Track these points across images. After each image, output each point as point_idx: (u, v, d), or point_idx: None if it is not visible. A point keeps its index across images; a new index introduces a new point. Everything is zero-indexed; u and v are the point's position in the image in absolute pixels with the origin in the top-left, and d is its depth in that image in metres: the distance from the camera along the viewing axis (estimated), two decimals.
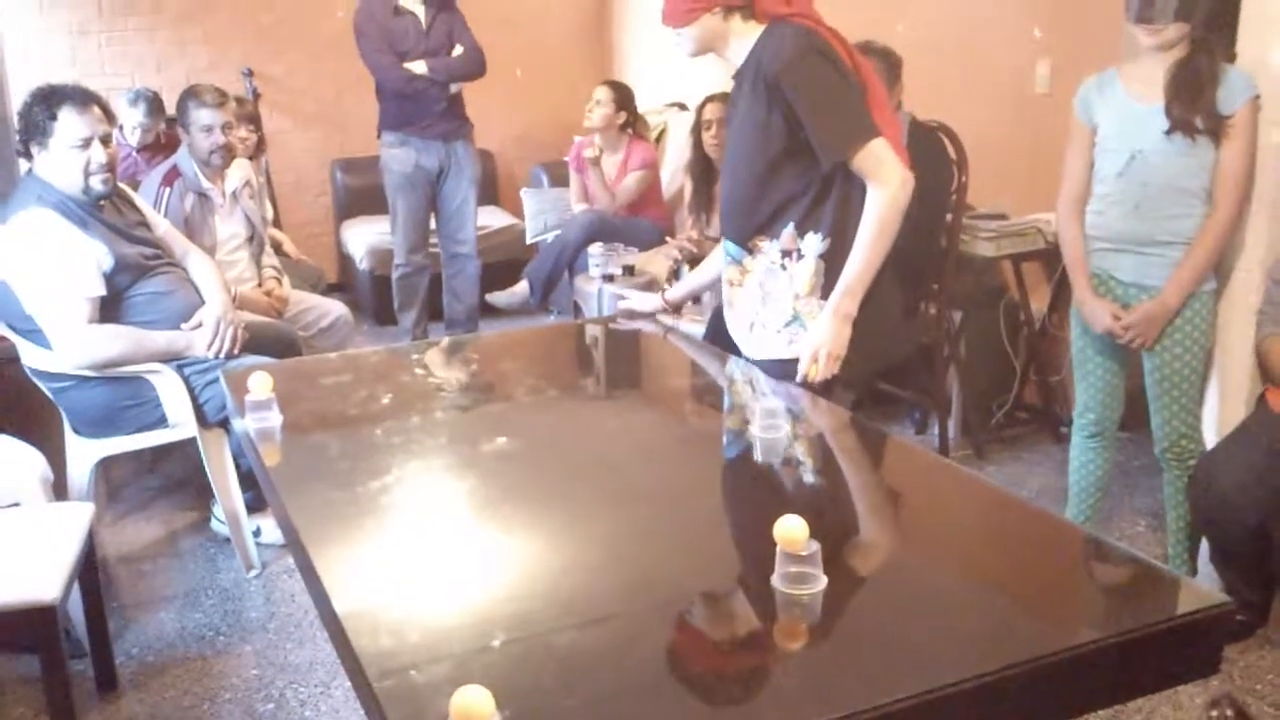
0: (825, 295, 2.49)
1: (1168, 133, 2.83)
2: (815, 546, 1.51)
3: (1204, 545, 3.03)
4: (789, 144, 2.45)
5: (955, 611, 1.55)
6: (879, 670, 1.40)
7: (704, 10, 2.43)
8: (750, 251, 2.57)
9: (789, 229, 2.50)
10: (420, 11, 4.99)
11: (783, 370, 2.49)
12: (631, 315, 2.96)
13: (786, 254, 2.52)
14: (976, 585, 1.65)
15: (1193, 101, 2.80)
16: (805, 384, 2.44)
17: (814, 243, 2.49)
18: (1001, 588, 1.64)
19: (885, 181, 2.40)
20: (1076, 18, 4.05)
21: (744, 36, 2.47)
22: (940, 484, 2.02)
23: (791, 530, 1.52)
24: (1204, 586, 2.00)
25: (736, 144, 2.57)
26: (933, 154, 3.85)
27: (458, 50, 5.02)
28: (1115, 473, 3.32)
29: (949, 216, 3.91)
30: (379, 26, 4.97)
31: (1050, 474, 3.94)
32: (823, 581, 1.51)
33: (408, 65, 4.94)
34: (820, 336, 2.45)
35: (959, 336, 4.18)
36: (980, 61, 4.46)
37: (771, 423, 2.07)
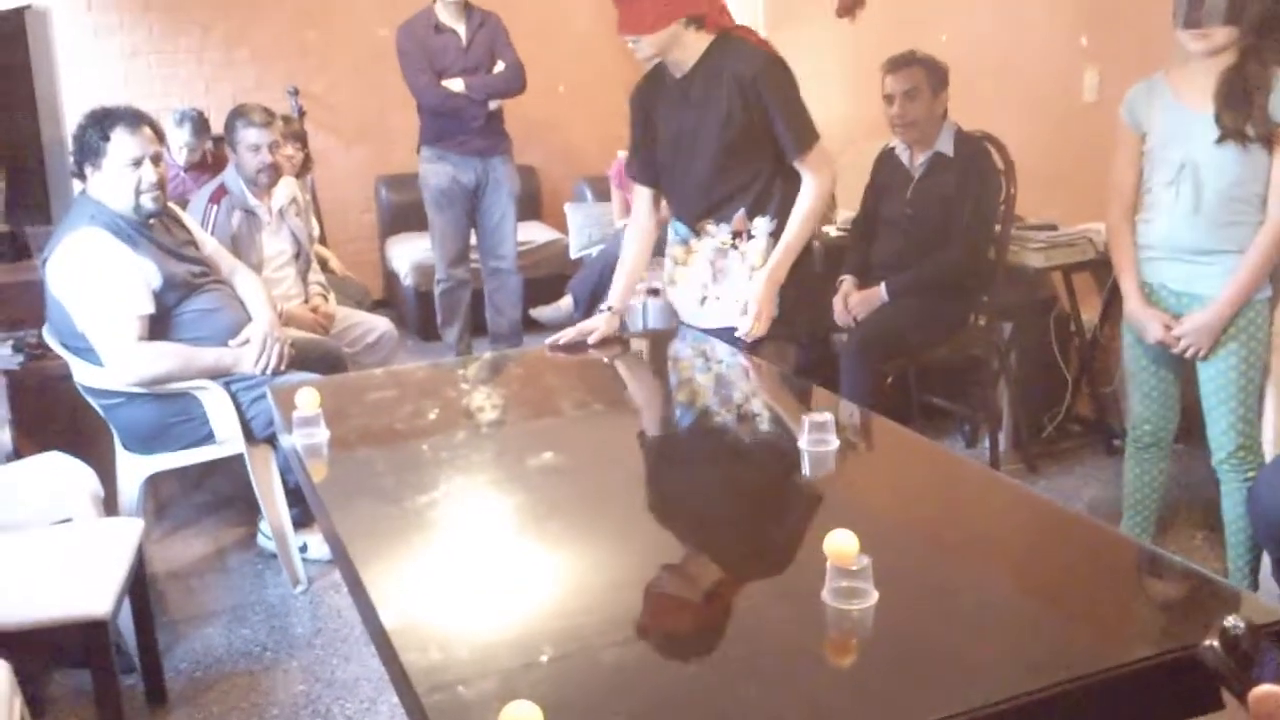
0: None
1: (1218, 141, 2.78)
2: (866, 561, 1.49)
3: (1265, 559, 2.97)
4: (745, 138, 2.84)
5: (1009, 627, 1.52)
6: (931, 686, 1.37)
7: (671, 21, 2.75)
8: (697, 233, 2.98)
9: (740, 213, 2.91)
10: (461, 29, 5.01)
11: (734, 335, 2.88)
12: (581, 344, 2.89)
13: (737, 235, 2.92)
14: (1030, 600, 1.62)
15: (1243, 108, 2.75)
16: (745, 340, 2.83)
17: (764, 224, 2.91)
18: (1055, 603, 1.61)
19: (823, 177, 2.89)
20: (1124, 25, 4.00)
21: (695, 45, 2.84)
22: (992, 497, 1.99)
23: (842, 545, 1.50)
24: (1266, 601, 1.96)
25: (694, 136, 2.89)
26: (979, 164, 3.82)
27: (499, 66, 5.04)
28: (1171, 485, 3.26)
29: (998, 227, 3.87)
30: (419, 45, 5.00)
31: (1104, 487, 3.88)
32: (874, 596, 1.49)
33: (446, 83, 4.97)
34: (758, 300, 2.83)
35: (1009, 348, 4.13)
36: (1026, 70, 4.42)
37: (820, 436, 2.05)
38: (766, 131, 2.86)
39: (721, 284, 2.96)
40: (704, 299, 3.01)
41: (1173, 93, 2.91)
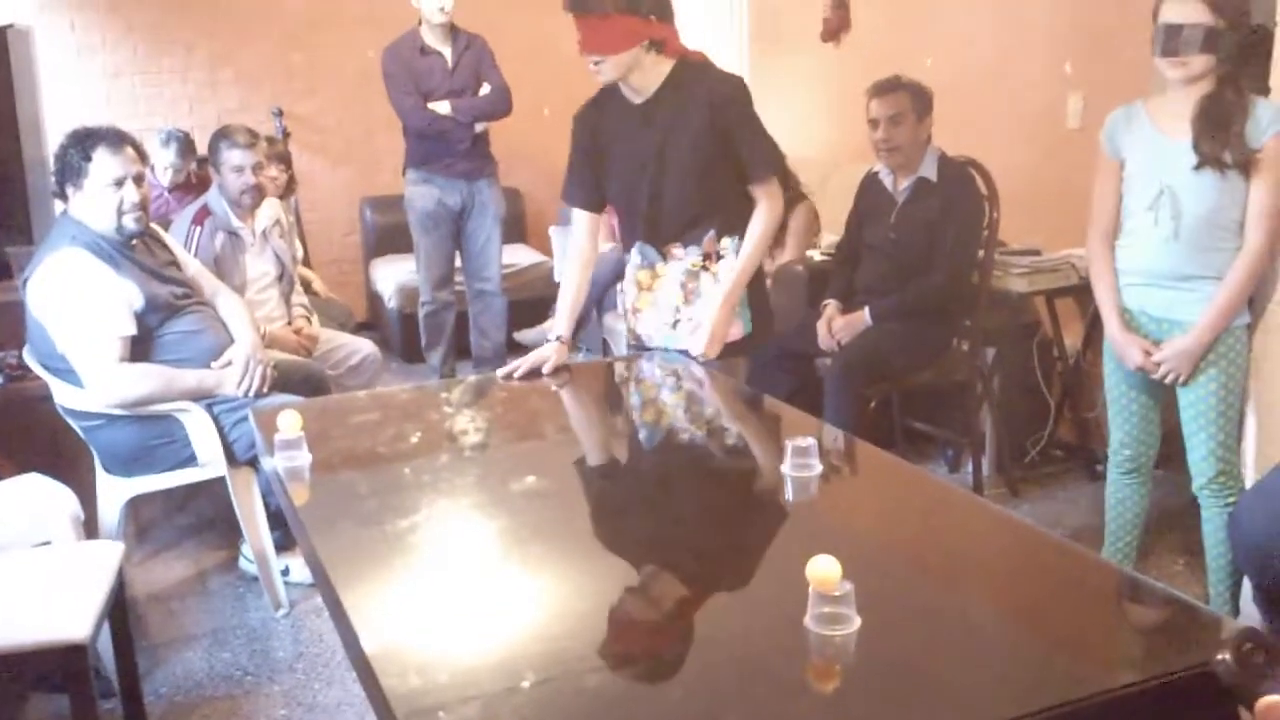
0: (750, 285, 2.98)
1: (1196, 168, 2.81)
2: (848, 587, 1.49)
3: (1245, 585, 2.98)
4: (716, 160, 2.87)
5: (991, 652, 1.52)
6: (914, 711, 1.37)
7: (636, 43, 2.76)
8: (664, 257, 2.98)
9: (709, 235, 2.93)
10: (447, 51, 5.02)
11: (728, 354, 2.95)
12: (535, 374, 2.84)
13: (708, 256, 2.94)
14: (1012, 626, 1.62)
15: (1221, 136, 2.78)
16: (702, 358, 2.88)
17: (732, 245, 2.93)
18: (1037, 628, 1.61)
19: (776, 204, 2.95)
20: (1108, 52, 4.04)
21: (655, 69, 2.85)
22: (974, 522, 1.99)
23: (824, 570, 1.50)
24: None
25: (661, 159, 2.89)
26: (963, 189, 3.83)
27: (485, 89, 5.05)
28: (1153, 510, 3.27)
29: (981, 252, 3.89)
30: (404, 67, 5.01)
31: (1086, 512, 3.89)
32: (856, 622, 1.49)
33: (432, 105, 4.98)
34: (713, 322, 2.89)
35: (992, 373, 4.15)
36: (1011, 96, 4.45)
37: (803, 461, 2.05)
38: (733, 154, 2.89)
39: (695, 305, 2.97)
40: (676, 322, 3.00)
41: (1151, 120, 2.93)
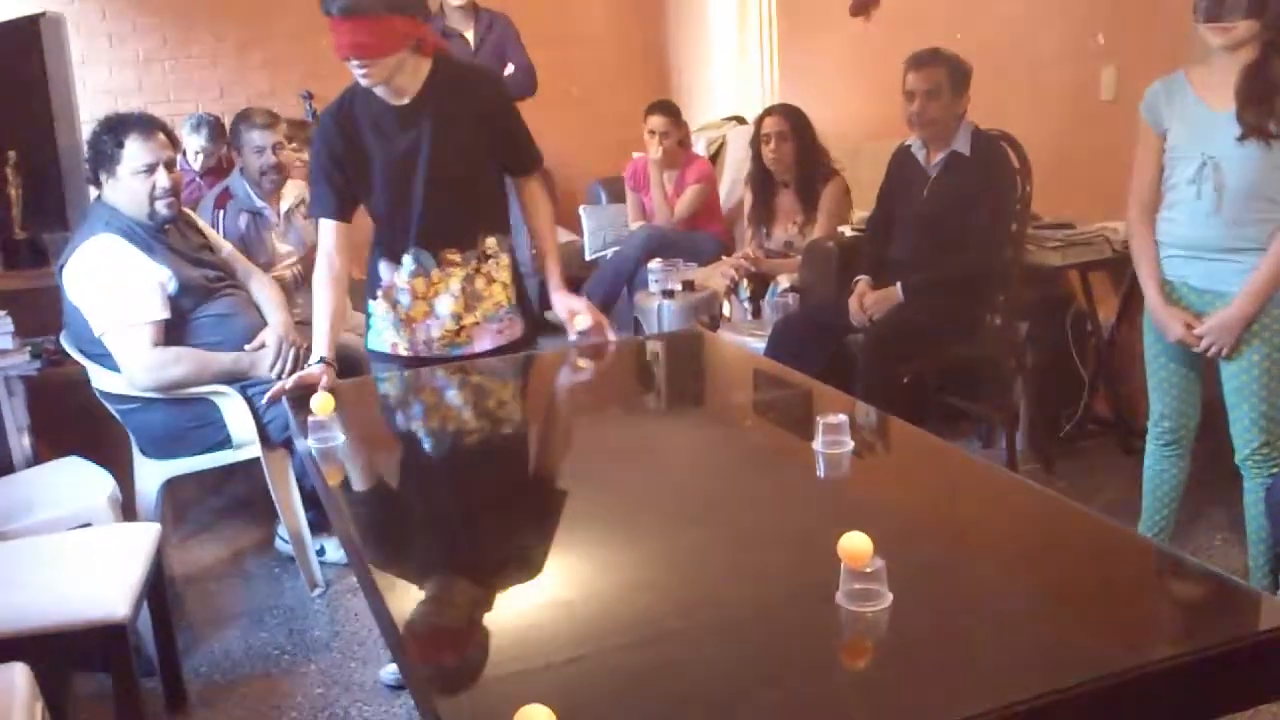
0: (515, 280, 2.95)
1: (1240, 139, 2.76)
2: (880, 563, 1.49)
3: None
4: (485, 159, 2.84)
5: (1024, 628, 1.51)
6: (946, 688, 1.37)
7: (405, 44, 2.65)
8: (440, 264, 2.85)
9: (481, 236, 2.86)
10: (469, 32, 4.97)
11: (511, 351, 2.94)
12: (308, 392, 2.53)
13: (484, 258, 2.87)
14: (1046, 602, 1.61)
15: (1265, 105, 2.73)
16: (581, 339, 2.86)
17: (496, 242, 2.89)
18: (1072, 604, 1.60)
19: (544, 185, 3.00)
20: (1142, 22, 3.98)
21: (418, 69, 2.73)
22: (1008, 498, 1.98)
23: (856, 546, 1.50)
24: None
25: (430, 163, 2.76)
26: (996, 163, 3.80)
27: (509, 70, 5.01)
28: (1191, 484, 3.24)
29: (1014, 226, 3.86)
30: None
31: (1122, 487, 3.85)
32: (888, 598, 1.49)
33: None
34: (586, 307, 2.88)
35: (1025, 348, 4.11)
36: (1043, 69, 4.40)
37: (834, 438, 2.04)
38: (500, 151, 2.86)
39: (477, 310, 2.88)
40: (460, 329, 2.88)
41: (1193, 90, 2.88)
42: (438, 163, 2.76)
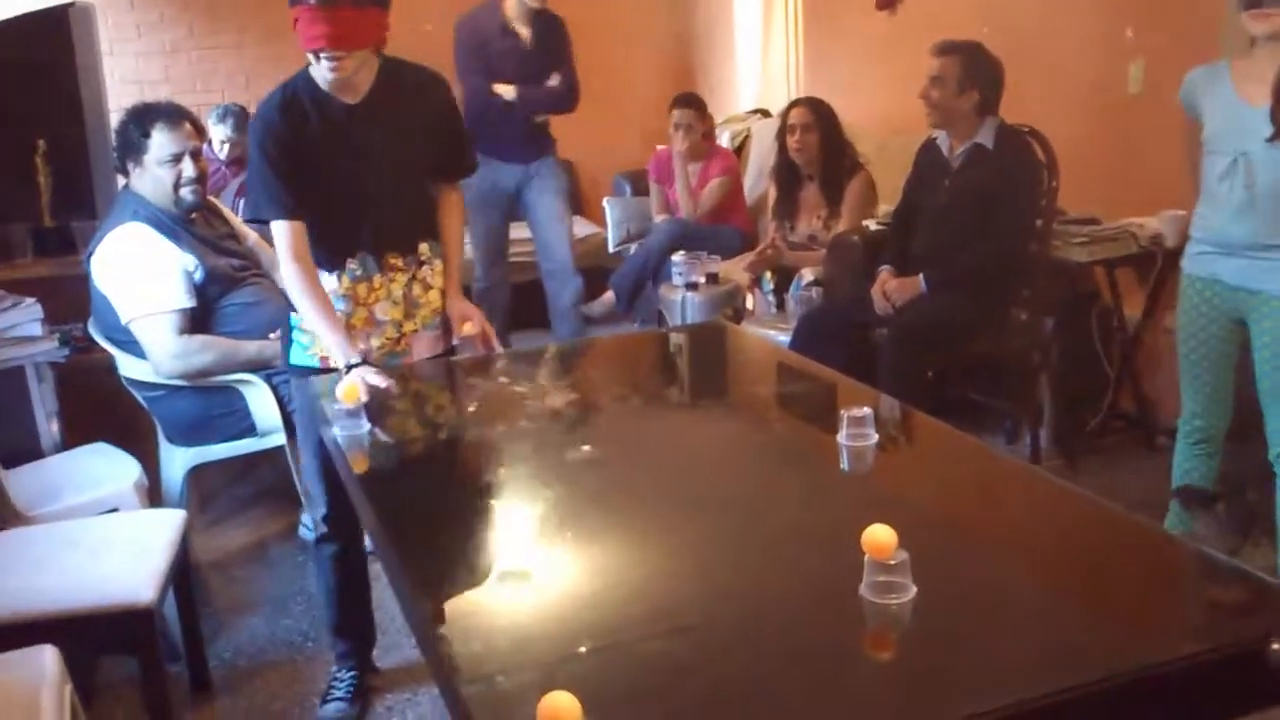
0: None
1: (1270, 140, 2.72)
2: (904, 555, 1.49)
3: None
4: (426, 160, 2.75)
5: (1048, 623, 1.51)
6: (969, 681, 1.37)
7: (378, 38, 2.59)
8: (383, 269, 2.71)
9: (419, 241, 2.75)
10: (526, 31, 4.81)
11: (447, 358, 2.85)
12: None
13: (421, 263, 2.76)
14: (1070, 597, 1.61)
15: None
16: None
17: (435, 248, 2.79)
18: (1097, 600, 1.59)
19: (461, 196, 2.90)
20: (1171, 16, 3.95)
21: (371, 65, 2.62)
22: (1032, 493, 1.97)
23: (880, 538, 1.50)
24: None
25: (380, 165, 2.65)
26: (1019, 157, 3.79)
27: (553, 80, 4.88)
28: (1220, 483, 3.22)
29: (1039, 221, 3.84)
30: (479, 42, 4.81)
31: (1146, 484, 3.83)
32: (912, 591, 1.49)
33: (499, 88, 4.79)
34: (474, 312, 2.79)
35: (1051, 343, 4.10)
36: (1070, 62, 4.37)
37: (858, 431, 2.04)
38: (436, 153, 2.76)
39: (416, 316, 2.77)
40: (400, 337, 2.76)
41: (1233, 82, 2.84)
42: (391, 164, 2.67)
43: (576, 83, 4.94)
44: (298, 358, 2.77)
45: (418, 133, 2.70)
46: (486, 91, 4.81)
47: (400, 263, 2.73)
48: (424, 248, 2.76)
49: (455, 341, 2.85)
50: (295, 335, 2.76)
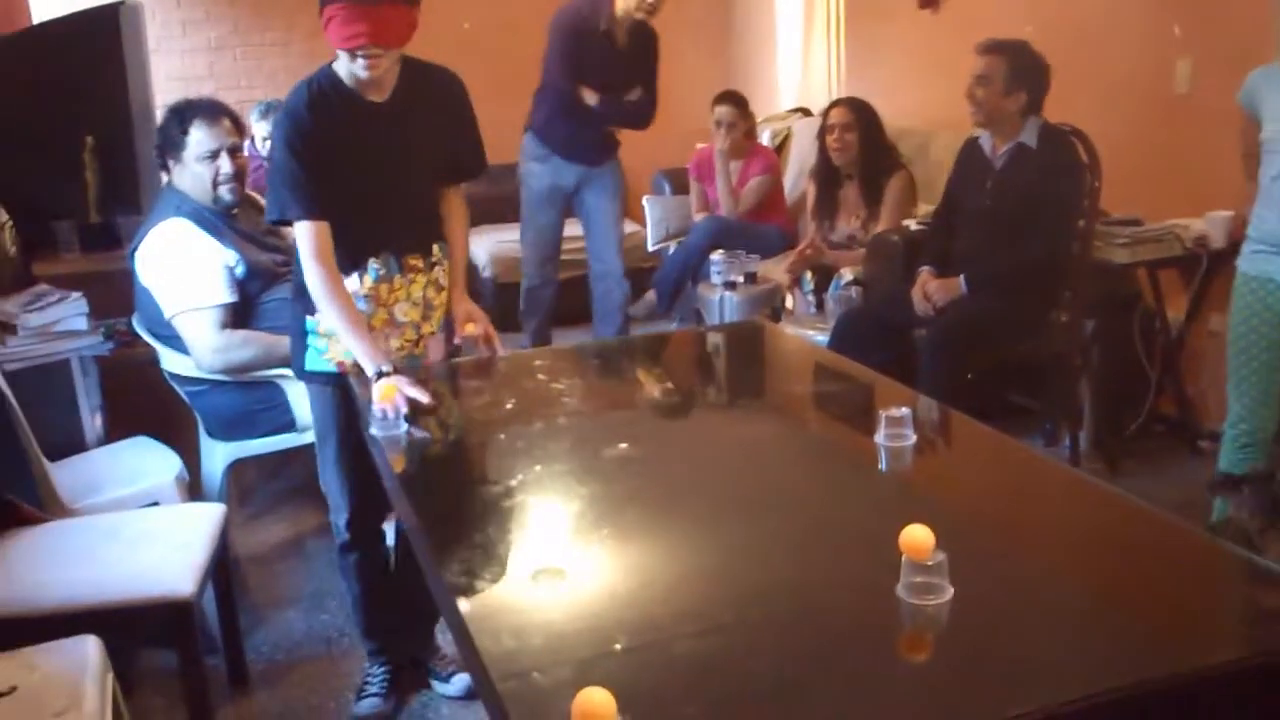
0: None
1: None
2: (942, 556, 1.48)
3: None
4: (443, 160, 2.74)
5: (1087, 626, 1.50)
6: (1006, 683, 1.36)
7: (410, 39, 2.55)
8: (403, 270, 2.70)
9: (434, 241, 2.75)
10: (623, 39, 4.72)
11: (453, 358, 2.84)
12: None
13: (434, 264, 2.75)
14: (1109, 600, 1.59)
15: None
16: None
17: (444, 249, 2.78)
18: (1134, 603, 1.58)
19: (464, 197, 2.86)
20: (1220, 14, 3.90)
21: (396, 64, 2.61)
22: (1072, 494, 1.96)
23: (918, 539, 1.49)
24: None
25: (403, 164, 2.65)
26: (1062, 157, 3.75)
27: (635, 93, 4.81)
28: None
29: (1081, 222, 3.81)
30: (578, 41, 4.70)
31: (1188, 488, 3.79)
32: (949, 592, 1.48)
33: (583, 90, 4.73)
34: (480, 314, 2.78)
35: (1091, 346, 4.06)
36: (1115, 61, 4.33)
37: (897, 431, 2.03)
38: (453, 153, 2.76)
39: (432, 318, 2.77)
40: (419, 339, 2.76)
41: None
42: (414, 163, 2.67)
43: (656, 100, 4.87)
44: (314, 363, 2.73)
45: (439, 132, 2.70)
46: (573, 90, 4.74)
47: (420, 263, 2.72)
48: (436, 249, 2.77)
49: (457, 341, 2.84)
50: (310, 340, 2.72)
